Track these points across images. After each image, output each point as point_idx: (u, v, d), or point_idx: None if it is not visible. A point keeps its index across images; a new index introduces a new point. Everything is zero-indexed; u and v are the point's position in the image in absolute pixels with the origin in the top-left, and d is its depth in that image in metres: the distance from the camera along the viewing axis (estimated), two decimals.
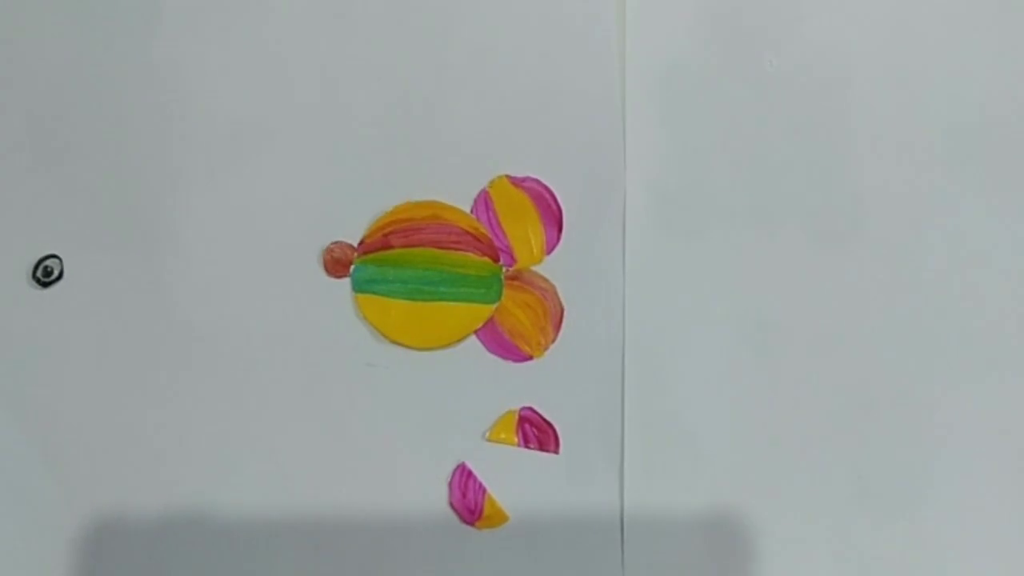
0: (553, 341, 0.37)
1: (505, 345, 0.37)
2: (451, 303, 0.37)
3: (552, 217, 0.37)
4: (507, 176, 0.37)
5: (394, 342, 0.37)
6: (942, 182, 0.37)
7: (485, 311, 0.37)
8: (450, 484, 0.37)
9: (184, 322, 0.38)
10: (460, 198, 0.38)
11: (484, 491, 0.37)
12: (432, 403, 0.37)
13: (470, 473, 0.37)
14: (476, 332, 0.37)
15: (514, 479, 0.37)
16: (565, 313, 0.37)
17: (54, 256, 0.34)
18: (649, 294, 0.38)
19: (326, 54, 0.38)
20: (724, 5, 0.38)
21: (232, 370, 0.38)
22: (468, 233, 0.37)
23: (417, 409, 0.37)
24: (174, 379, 0.38)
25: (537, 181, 0.37)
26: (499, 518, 0.37)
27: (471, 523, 0.37)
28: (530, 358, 0.37)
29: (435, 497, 0.37)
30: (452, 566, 0.37)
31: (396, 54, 0.38)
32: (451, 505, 0.37)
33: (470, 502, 0.37)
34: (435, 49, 0.38)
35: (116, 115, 0.38)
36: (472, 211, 0.37)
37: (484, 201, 0.37)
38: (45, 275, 0.34)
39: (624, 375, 0.37)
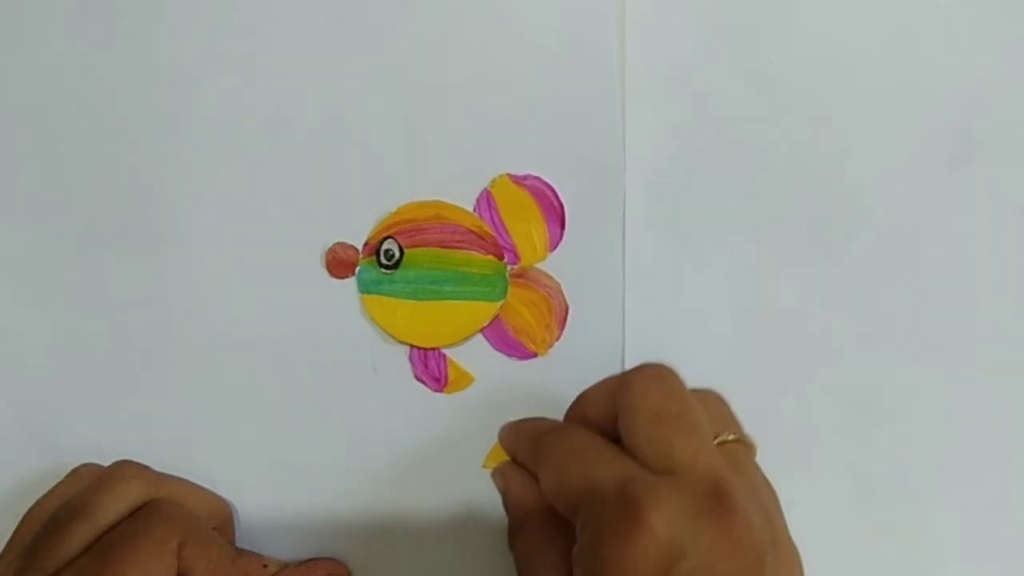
0: (558, 338, 0.37)
1: (511, 343, 0.37)
2: (457, 302, 0.37)
3: (554, 214, 0.37)
4: (508, 174, 0.37)
5: (401, 342, 0.37)
6: (943, 182, 0.38)
7: (491, 309, 0.37)
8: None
9: (187, 324, 0.38)
10: (462, 197, 0.38)
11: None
12: (439, 402, 0.38)
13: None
14: (482, 330, 0.37)
15: None
16: (569, 310, 0.37)
17: (390, 238, 0.34)
18: (649, 294, 0.38)
19: (327, 55, 0.38)
20: (724, 5, 0.38)
21: (238, 372, 0.38)
22: (471, 232, 0.37)
23: (424, 407, 0.38)
24: (177, 381, 0.38)
25: (538, 179, 0.37)
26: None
27: None
28: (535, 355, 0.37)
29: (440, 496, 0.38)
30: None
31: (397, 54, 0.38)
32: None
33: None
34: (435, 49, 0.38)
35: (118, 115, 0.38)
36: (475, 210, 0.37)
37: (486, 200, 0.37)
38: (388, 258, 0.35)
39: None
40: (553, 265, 0.37)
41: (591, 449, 0.31)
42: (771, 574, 0.28)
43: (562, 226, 0.37)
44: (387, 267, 0.37)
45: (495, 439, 0.37)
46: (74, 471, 0.36)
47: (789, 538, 0.30)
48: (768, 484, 0.31)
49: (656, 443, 0.29)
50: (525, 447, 0.34)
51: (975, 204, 0.38)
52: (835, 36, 0.38)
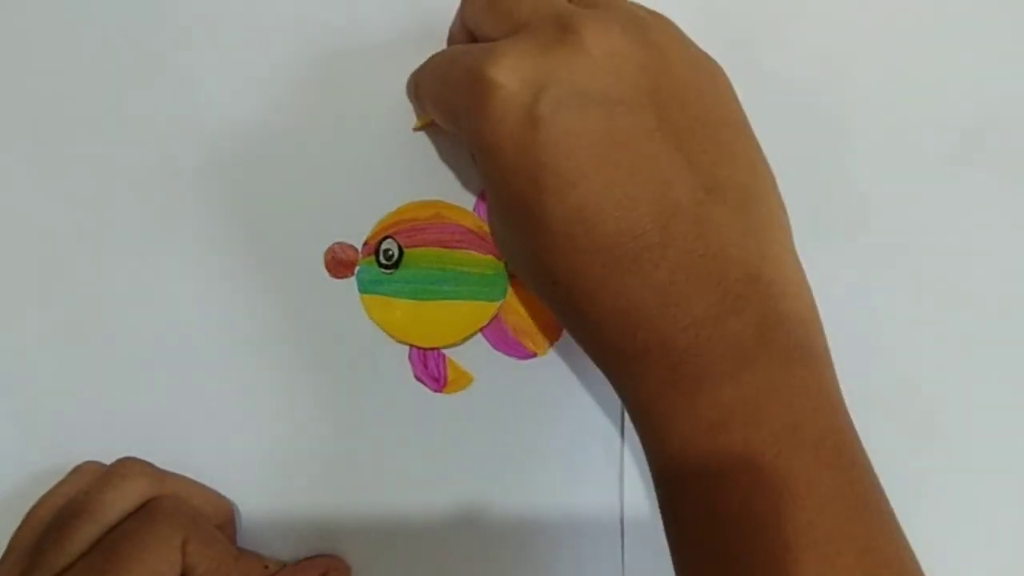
0: (557, 338, 0.37)
1: (510, 342, 0.37)
2: (456, 301, 0.37)
3: None
4: None
5: (401, 342, 0.37)
6: (943, 181, 0.37)
7: (490, 308, 0.37)
8: None
9: (187, 324, 0.38)
10: (462, 197, 0.37)
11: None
12: (438, 402, 0.38)
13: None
14: (481, 330, 0.37)
15: (512, 479, 0.37)
16: None
17: (389, 237, 0.34)
18: None
19: (326, 54, 0.38)
20: (724, 5, 0.38)
21: (238, 372, 0.38)
22: (471, 231, 0.37)
23: (424, 407, 0.38)
24: (177, 380, 0.38)
25: None
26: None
27: None
28: (535, 355, 0.37)
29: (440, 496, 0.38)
30: None
31: (397, 54, 0.38)
32: None
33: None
34: (435, 48, 0.38)
35: (117, 115, 0.38)
36: (475, 209, 0.37)
37: (486, 199, 0.37)
38: (387, 258, 0.35)
39: None
40: None
41: (445, 60, 0.31)
42: (656, 85, 0.28)
43: None
44: (386, 267, 0.37)
45: (495, 439, 0.37)
46: (76, 469, 0.36)
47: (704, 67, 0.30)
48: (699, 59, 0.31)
49: (494, 15, 0.30)
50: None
51: (977, 203, 0.37)
52: (835, 35, 0.38)
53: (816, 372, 0.28)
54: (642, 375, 0.28)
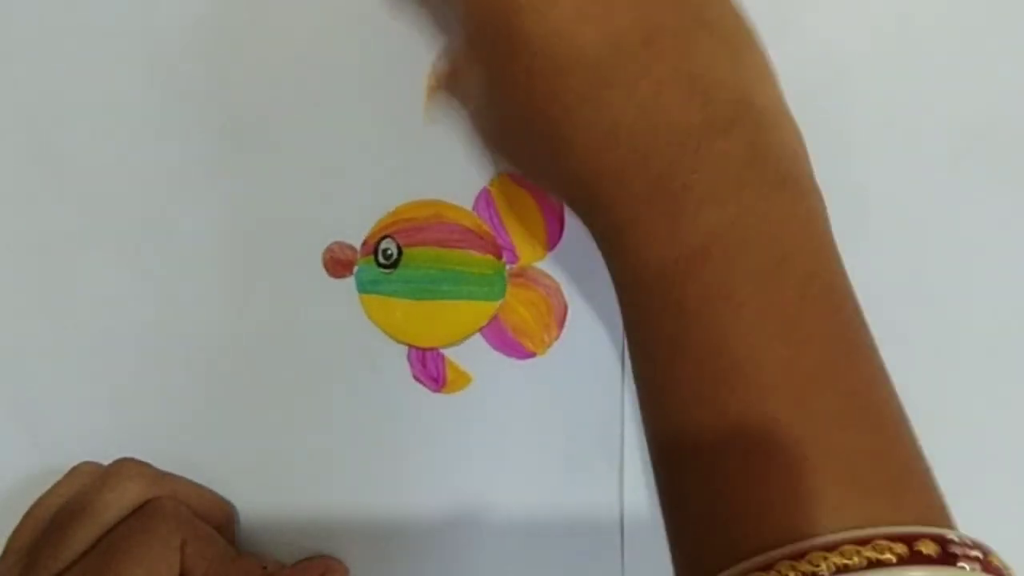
0: (557, 338, 0.37)
1: (509, 343, 0.37)
2: (455, 301, 0.37)
3: (553, 213, 0.37)
4: (508, 173, 0.37)
5: (400, 342, 0.37)
6: (945, 181, 0.37)
7: (489, 308, 0.37)
8: None
9: (186, 324, 0.38)
10: (461, 196, 0.37)
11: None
12: (437, 403, 0.38)
13: None
14: (481, 330, 0.37)
15: (512, 479, 0.37)
16: (568, 310, 0.37)
17: (388, 237, 0.34)
18: None
19: (327, 53, 0.38)
20: None
21: (237, 372, 0.38)
22: (470, 231, 0.37)
23: (422, 407, 0.38)
24: (176, 380, 0.38)
25: None
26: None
27: None
28: (534, 355, 0.37)
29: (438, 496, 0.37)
30: None
31: (396, 53, 0.38)
32: None
33: None
34: (434, 48, 0.38)
35: (117, 115, 0.38)
36: (474, 209, 0.37)
37: (485, 199, 0.37)
38: (386, 258, 0.35)
39: (624, 374, 0.37)
40: (552, 264, 0.37)
41: None
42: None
43: (561, 225, 0.37)
44: (385, 267, 0.37)
45: (494, 440, 0.37)
46: (74, 469, 0.36)
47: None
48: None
49: None
50: None
51: (978, 202, 0.37)
52: (835, 34, 0.38)
53: (807, 205, 0.27)
54: (620, 196, 0.26)
